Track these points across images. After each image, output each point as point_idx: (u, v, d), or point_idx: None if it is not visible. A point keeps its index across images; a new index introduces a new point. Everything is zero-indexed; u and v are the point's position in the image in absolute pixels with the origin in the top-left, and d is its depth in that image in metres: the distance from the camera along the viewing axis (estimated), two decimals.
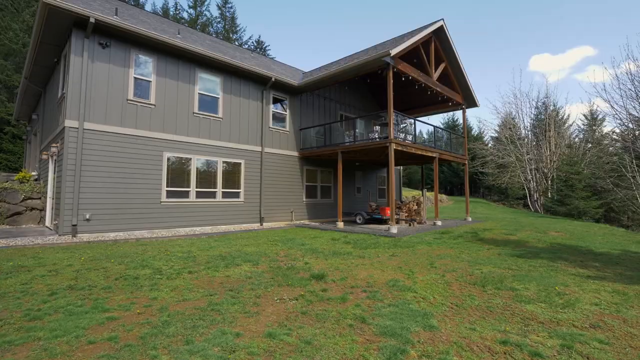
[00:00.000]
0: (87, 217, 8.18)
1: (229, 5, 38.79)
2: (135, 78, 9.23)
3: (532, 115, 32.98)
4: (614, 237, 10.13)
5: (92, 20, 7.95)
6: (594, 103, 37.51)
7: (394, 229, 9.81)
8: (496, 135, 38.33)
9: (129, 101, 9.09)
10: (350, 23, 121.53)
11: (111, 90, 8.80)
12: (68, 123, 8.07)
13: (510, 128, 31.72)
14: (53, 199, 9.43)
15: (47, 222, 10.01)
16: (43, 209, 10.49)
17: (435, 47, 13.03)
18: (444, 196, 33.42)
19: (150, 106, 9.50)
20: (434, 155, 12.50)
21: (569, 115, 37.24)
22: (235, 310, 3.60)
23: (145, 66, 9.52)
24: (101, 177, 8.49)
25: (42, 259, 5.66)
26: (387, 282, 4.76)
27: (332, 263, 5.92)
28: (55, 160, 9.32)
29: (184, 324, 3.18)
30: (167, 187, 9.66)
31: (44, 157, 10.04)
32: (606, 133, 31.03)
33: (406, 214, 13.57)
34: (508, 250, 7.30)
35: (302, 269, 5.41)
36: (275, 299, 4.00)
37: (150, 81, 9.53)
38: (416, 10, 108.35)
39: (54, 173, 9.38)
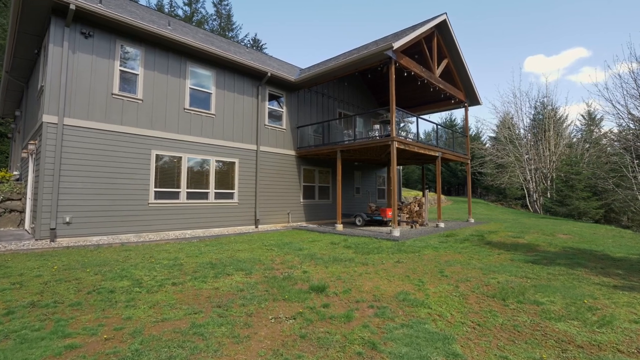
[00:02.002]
0: (67, 220, 7.57)
1: (225, 3, 38.13)
2: (121, 71, 8.63)
3: (531, 116, 32.73)
4: (624, 240, 9.72)
5: (72, 7, 7.34)
6: (592, 103, 37.35)
7: (397, 232, 9.30)
8: (494, 135, 38.06)
9: (114, 95, 8.49)
10: (348, 22, 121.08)
11: (94, 83, 8.19)
12: (46, 118, 7.45)
13: (509, 127, 31.40)
14: (32, 200, 8.80)
15: (27, 225, 9.38)
16: (23, 211, 9.85)
17: (437, 42, 12.56)
18: (442, 197, 33.01)
19: (137, 101, 8.90)
20: (437, 155, 12.01)
21: (567, 115, 36.97)
22: (222, 333, 3.05)
23: (132, 58, 8.92)
24: (83, 177, 7.88)
25: (9, 269, 5.07)
26: (396, 294, 4.24)
27: (333, 271, 5.39)
28: (34, 158, 8.70)
29: (158, 354, 2.63)
30: (155, 187, 9.06)
31: (24, 155, 9.41)
32: (604, 133, 30.79)
33: (407, 216, 13.09)
34: (520, 256, 6.82)
35: (300, 279, 4.87)
36: (270, 317, 3.46)
37: (137, 74, 8.93)
38: (412, 7, 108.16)
39: (34, 172, 8.75)
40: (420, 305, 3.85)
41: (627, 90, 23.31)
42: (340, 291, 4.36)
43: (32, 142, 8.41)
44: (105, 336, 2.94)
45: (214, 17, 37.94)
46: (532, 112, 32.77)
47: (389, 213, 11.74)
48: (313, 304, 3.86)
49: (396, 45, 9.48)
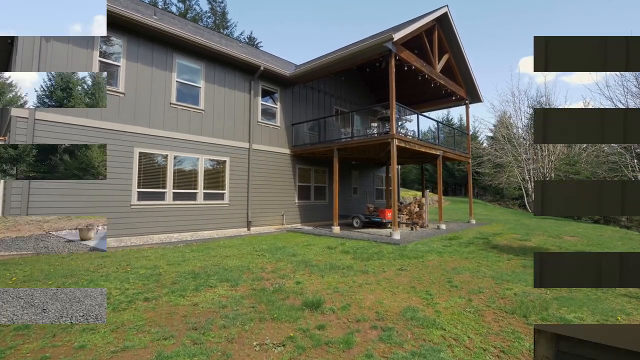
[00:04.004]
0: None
1: (220, 0, 37.43)
2: (100, 62, 8.00)
3: (528, 115, 32.41)
4: (634, 243, 9.29)
5: None
6: (590, 102, 37.10)
7: (397, 235, 8.76)
8: (492, 134, 37.72)
9: None
10: (347, 22, 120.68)
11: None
12: (15, 112, 6.82)
13: (507, 127, 31.06)
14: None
15: None
16: None
17: (438, 36, 12.05)
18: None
19: (118, 95, 8.27)
20: (438, 153, 11.50)
21: None
22: None
23: (114, 49, 8.29)
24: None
25: None
26: (402, 311, 3.69)
27: (329, 282, 4.83)
28: None
29: None
30: (138, 188, 8.44)
31: None
32: None
33: (407, 217, 12.57)
34: (532, 262, 6.29)
35: (293, 292, 4.30)
36: (254, 344, 2.89)
37: (119, 66, 8.30)
38: (411, 8, 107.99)
39: None
40: (432, 326, 3.30)
41: (628, 88, 23.01)
42: (337, 307, 3.80)
43: (1, 138, 7.76)
44: None
45: (209, 14, 37.26)
46: (530, 112, 32.48)
47: (388, 214, 11.21)
48: (306, 325, 3.29)
49: (396, 36, 8.94)
